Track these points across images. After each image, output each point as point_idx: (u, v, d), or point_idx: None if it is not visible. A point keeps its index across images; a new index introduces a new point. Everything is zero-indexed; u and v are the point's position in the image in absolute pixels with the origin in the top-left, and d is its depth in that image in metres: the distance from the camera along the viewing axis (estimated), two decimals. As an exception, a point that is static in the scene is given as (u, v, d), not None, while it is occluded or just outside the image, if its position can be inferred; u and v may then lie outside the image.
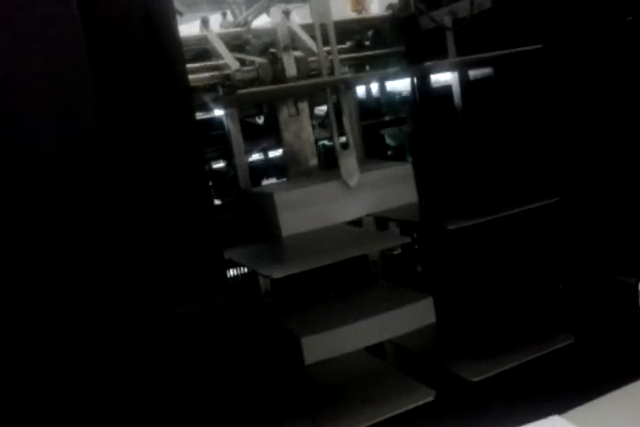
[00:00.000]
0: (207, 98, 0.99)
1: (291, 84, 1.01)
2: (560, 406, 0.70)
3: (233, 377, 0.70)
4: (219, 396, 0.69)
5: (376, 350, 1.00)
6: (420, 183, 1.02)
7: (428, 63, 0.90)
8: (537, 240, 0.72)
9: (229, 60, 1.12)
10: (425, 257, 0.93)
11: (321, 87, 0.91)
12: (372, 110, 1.33)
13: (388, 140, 1.37)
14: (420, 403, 0.82)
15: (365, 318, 0.92)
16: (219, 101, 0.91)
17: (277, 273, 0.78)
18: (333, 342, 0.91)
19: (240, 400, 0.71)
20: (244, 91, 0.82)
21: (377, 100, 1.34)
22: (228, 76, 1.06)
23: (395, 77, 1.12)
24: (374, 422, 0.81)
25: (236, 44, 1.27)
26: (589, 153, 0.86)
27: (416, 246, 1.16)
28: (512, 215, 0.82)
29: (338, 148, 0.98)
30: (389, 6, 1.25)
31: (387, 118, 1.31)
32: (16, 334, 0.58)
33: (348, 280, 1.12)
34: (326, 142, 1.29)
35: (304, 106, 1.13)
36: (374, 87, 1.34)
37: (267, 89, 0.89)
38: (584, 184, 0.86)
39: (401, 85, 1.33)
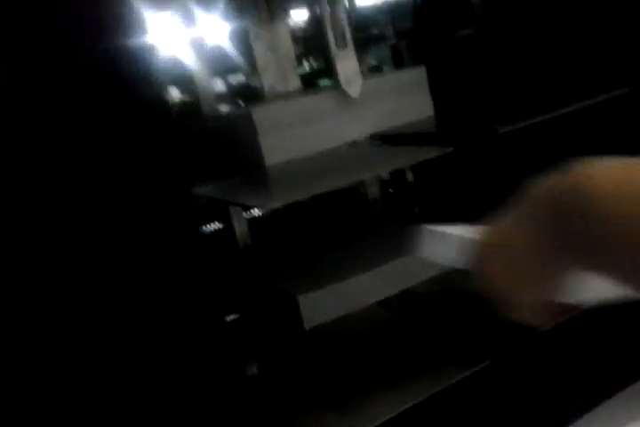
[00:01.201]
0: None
1: None
2: None
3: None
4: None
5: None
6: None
7: None
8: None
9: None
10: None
11: None
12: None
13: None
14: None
15: (375, 268, 0.71)
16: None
17: (271, 203, 0.55)
18: (338, 300, 0.69)
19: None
20: None
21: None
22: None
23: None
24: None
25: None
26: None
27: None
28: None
29: (333, 47, 0.74)
30: None
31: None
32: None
33: (346, 226, 0.90)
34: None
35: (279, 10, 0.89)
36: None
37: None
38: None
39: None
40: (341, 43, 0.71)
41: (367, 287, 0.72)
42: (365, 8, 1.13)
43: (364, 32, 1.12)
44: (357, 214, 0.94)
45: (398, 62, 1.14)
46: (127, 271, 0.52)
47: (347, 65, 0.73)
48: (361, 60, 1.05)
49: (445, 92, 0.75)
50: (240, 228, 0.84)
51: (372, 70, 1.22)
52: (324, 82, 1.09)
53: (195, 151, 0.77)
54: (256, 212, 1.00)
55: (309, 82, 1.05)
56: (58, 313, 0.48)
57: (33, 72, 0.50)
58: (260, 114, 0.71)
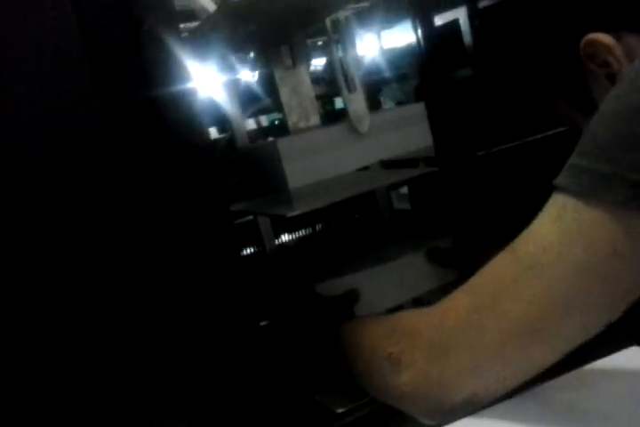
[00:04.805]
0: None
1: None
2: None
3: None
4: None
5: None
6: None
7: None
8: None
9: (209, 6, 1.04)
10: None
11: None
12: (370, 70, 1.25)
13: (387, 100, 1.29)
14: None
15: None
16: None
17: (292, 211, 0.69)
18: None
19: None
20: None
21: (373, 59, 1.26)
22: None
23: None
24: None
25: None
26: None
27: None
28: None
29: (344, 91, 0.89)
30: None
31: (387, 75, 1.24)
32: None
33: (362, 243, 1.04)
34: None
35: (301, 58, 1.05)
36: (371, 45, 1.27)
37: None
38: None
39: (399, 41, 1.26)
40: (352, 87, 0.85)
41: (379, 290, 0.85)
42: (390, 53, 1.28)
43: (388, 72, 1.27)
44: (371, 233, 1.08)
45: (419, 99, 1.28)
46: (174, 282, 0.59)
47: (356, 106, 0.87)
48: (373, 100, 1.21)
49: (441, 123, 0.89)
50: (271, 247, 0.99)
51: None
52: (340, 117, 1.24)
53: (231, 178, 0.92)
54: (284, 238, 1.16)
55: (328, 117, 1.20)
56: (103, 329, 0.54)
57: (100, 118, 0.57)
58: (284, 144, 0.84)
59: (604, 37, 0.55)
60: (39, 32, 0.55)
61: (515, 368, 0.49)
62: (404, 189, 1.24)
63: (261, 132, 1.27)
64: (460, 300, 0.53)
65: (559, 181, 0.46)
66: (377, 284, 0.86)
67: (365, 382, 0.60)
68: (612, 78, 0.55)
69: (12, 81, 0.54)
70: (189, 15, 1.11)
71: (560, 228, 0.45)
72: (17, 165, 0.53)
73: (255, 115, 1.22)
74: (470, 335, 0.49)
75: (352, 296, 0.82)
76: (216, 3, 0.89)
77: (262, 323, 0.79)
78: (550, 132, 0.79)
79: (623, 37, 0.54)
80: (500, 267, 0.50)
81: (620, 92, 0.45)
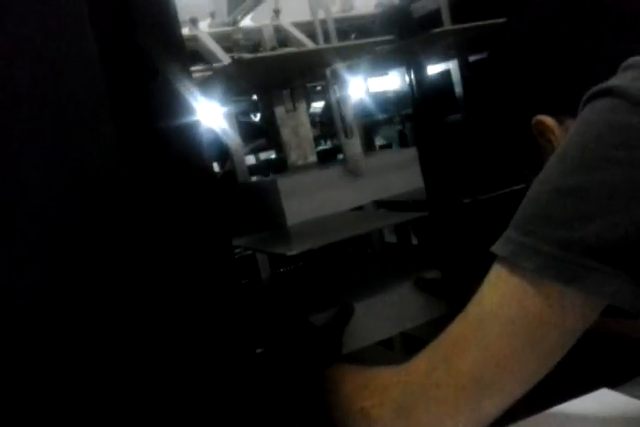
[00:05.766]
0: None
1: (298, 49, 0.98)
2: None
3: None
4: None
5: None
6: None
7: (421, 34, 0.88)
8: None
9: (224, 58, 1.10)
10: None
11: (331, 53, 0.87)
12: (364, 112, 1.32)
13: (382, 141, 1.36)
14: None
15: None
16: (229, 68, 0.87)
17: (293, 250, 0.74)
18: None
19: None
20: (251, 56, 0.80)
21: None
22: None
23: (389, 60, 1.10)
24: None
25: (226, 46, 1.27)
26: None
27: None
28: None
29: (342, 136, 0.95)
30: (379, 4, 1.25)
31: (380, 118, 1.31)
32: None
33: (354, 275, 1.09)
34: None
35: (301, 101, 1.12)
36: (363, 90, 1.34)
37: (275, 54, 0.87)
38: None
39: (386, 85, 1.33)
40: (349, 134, 0.91)
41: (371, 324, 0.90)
42: (377, 98, 1.35)
43: (377, 116, 1.34)
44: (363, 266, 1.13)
45: (403, 142, 1.35)
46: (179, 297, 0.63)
47: (352, 151, 0.93)
48: (369, 142, 1.27)
49: (432, 167, 0.95)
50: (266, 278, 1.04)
51: (382, 147, 1.44)
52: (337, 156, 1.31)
53: (233, 212, 0.98)
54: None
55: (325, 157, 1.27)
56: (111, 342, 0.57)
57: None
58: (284, 182, 0.89)
59: (547, 119, 0.63)
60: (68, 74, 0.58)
61: (470, 419, 0.54)
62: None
63: (260, 167, 1.33)
64: (422, 359, 0.57)
65: (494, 248, 0.52)
66: (366, 316, 0.91)
67: None
68: None
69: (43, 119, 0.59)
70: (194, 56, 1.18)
71: (496, 292, 0.51)
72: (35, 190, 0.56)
73: (254, 152, 1.28)
74: (430, 392, 0.54)
75: (346, 311, 0.87)
76: (231, 57, 0.95)
77: (258, 350, 0.83)
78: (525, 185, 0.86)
79: (564, 120, 0.62)
80: (452, 328, 0.55)
81: (542, 176, 0.52)
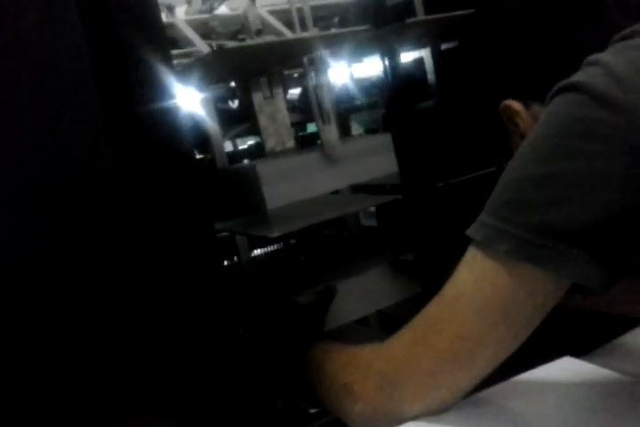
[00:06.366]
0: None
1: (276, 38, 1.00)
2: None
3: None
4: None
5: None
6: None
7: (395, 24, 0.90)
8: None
9: (202, 46, 1.12)
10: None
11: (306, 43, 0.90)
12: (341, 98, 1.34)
13: (357, 126, 1.38)
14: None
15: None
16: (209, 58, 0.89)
17: (275, 232, 0.77)
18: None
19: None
20: (233, 45, 0.82)
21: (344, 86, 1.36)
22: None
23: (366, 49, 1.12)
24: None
25: (202, 33, 1.28)
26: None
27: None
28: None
29: (319, 122, 0.98)
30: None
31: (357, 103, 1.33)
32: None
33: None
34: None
35: (278, 88, 1.14)
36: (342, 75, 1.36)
37: (257, 43, 0.89)
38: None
39: (369, 71, 1.36)
40: (326, 120, 0.94)
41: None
42: (361, 83, 1.37)
43: (359, 100, 1.36)
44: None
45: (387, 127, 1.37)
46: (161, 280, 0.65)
47: (329, 136, 0.96)
48: (344, 126, 1.30)
49: (405, 153, 0.98)
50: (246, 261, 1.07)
51: (367, 132, 1.47)
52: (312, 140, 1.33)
53: (214, 198, 1.01)
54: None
55: (302, 143, 1.29)
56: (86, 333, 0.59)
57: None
58: (263, 168, 0.92)
59: (514, 103, 0.66)
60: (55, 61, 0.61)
61: (449, 391, 0.59)
62: (372, 208, 1.33)
63: (239, 154, 1.35)
64: (402, 336, 0.61)
65: (469, 232, 0.55)
66: (344, 296, 0.95)
67: (327, 405, 0.69)
68: (523, 137, 0.66)
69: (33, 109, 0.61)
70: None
71: (472, 273, 0.55)
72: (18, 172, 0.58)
73: (233, 138, 1.30)
74: (411, 367, 0.58)
75: (329, 293, 0.91)
76: (208, 45, 0.97)
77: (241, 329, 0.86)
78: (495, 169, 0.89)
79: (530, 105, 0.65)
80: (430, 308, 0.59)
81: (513, 164, 0.55)
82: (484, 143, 0.78)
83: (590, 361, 0.67)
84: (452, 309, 0.56)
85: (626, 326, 0.83)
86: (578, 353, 0.71)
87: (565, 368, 0.66)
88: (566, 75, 0.57)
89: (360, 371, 0.63)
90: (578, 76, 0.55)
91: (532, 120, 0.65)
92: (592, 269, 0.50)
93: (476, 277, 0.54)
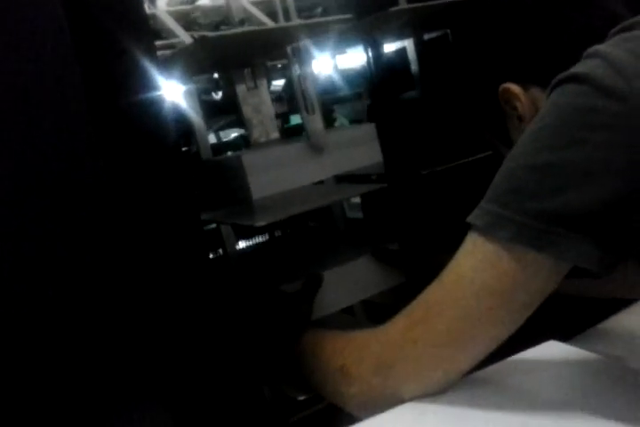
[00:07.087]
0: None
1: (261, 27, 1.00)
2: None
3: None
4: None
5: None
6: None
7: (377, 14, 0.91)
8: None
9: (184, 36, 1.11)
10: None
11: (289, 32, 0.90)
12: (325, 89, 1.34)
13: (341, 118, 1.39)
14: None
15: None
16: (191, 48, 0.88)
17: (260, 221, 0.77)
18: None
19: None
20: (215, 34, 0.82)
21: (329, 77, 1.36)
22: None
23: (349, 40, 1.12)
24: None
25: (184, 25, 1.27)
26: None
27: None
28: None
29: (303, 112, 0.98)
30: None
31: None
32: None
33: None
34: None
35: (262, 79, 1.14)
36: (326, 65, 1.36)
37: (240, 32, 0.89)
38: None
39: (353, 62, 1.36)
40: (310, 110, 0.94)
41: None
42: (346, 74, 1.37)
43: (343, 92, 1.36)
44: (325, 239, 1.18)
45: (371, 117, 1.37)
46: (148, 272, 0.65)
47: (314, 127, 0.96)
48: (328, 117, 1.30)
49: (390, 142, 0.98)
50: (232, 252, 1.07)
51: (351, 122, 1.47)
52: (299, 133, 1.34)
53: (200, 188, 1.01)
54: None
55: (287, 134, 1.30)
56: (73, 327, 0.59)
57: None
58: (248, 158, 0.92)
59: (514, 87, 0.67)
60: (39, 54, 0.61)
61: (445, 374, 0.60)
62: (357, 199, 1.34)
63: (223, 145, 1.35)
64: (399, 320, 0.61)
65: (470, 218, 0.55)
66: (330, 286, 0.95)
67: (322, 390, 0.70)
68: (521, 120, 0.67)
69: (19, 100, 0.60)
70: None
71: (472, 258, 0.55)
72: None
73: (218, 130, 1.30)
74: (408, 349, 0.59)
75: (316, 280, 0.92)
76: (191, 35, 0.96)
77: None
78: (482, 155, 0.90)
79: (529, 88, 0.66)
80: (429, 292, 0.59)
81: (515, 152, 0.55)
82: (478, 126, 0.78)
83: (575, 345, 0.68)
84: (451, 292, 0.56)
85: (608, 310, 0.84)
86: (562, 338, 0.72)
87: (551, 352, 0.67)
88: (565, 59, 0.57)
89: (356, 353, 0.64)
90: (578, 68, 0.56)
91: (531, 103, 0.66)
92: (594, 251, 0.50)
93: (477, 262, 0.55)
